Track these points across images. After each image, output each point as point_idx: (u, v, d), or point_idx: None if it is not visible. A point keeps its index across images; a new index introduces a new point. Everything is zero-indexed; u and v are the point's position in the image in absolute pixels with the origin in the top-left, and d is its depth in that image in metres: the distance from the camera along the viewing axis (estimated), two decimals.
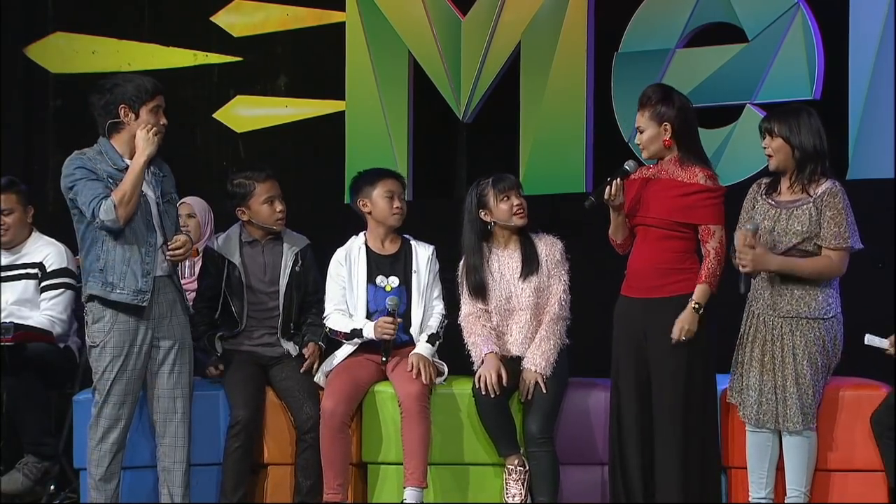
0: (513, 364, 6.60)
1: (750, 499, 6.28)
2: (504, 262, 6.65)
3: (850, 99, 7.43)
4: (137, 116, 6.29)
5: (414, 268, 6.77)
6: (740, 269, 6.11)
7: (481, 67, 8.28)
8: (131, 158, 6.30)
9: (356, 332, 6.69)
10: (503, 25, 8.25)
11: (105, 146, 6.31)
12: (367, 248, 6.78)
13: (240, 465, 6.60)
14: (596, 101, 8.02)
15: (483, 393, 6.48)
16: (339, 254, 6.80)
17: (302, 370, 6.75)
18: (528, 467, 6.48)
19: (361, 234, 6.84)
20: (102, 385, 6.27)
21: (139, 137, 6.23)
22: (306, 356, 6.79)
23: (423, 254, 6.79)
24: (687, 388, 6.26)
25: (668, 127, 6.30)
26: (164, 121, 6.33)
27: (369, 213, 6.77)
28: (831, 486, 6.32)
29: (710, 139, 7.75)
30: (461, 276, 6.71)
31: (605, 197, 6.33)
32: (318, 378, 6.74)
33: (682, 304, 6.25)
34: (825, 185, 6.13)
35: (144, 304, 6.24)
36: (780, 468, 6.26)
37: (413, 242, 6.82)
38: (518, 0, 8.23)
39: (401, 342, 6.77)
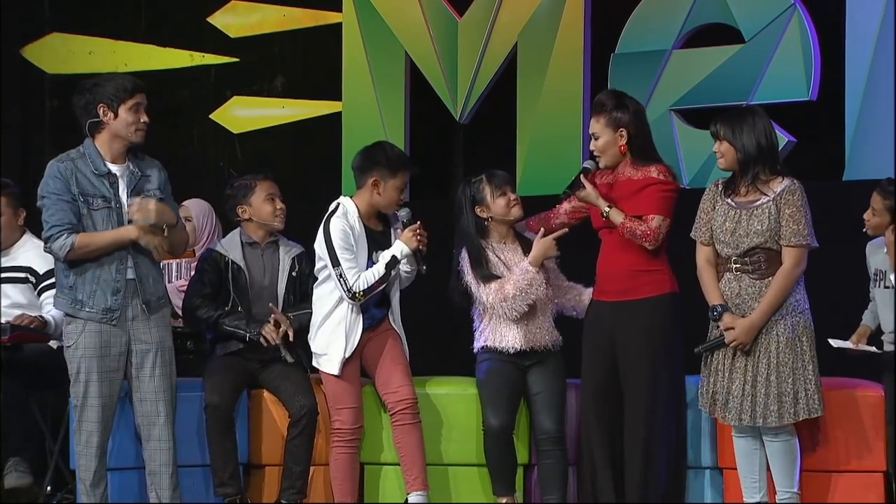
0: (524, 359, 6.57)
1: (744, 502, 6.30)
2: (509, 256, 6.61)
3: (846, 99, 7.44)
4: (116, 115, 6.27)
5: None
6: (739, 348, 6.16)
7: (478, 68, 8.28)
8: (113, 162, 6.29)
9: (394, 261, 6.54)
10: (500, 26, 8.26)
11: (88, 147, 6.29)
12: (364, 223, 6.66)
13: (220, 443, 6.58)
14: (593, 102, 8.01)
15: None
16: (342, 223, 6.57)
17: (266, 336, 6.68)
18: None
19: (349, 202, 6.65)
20: (79, 388, 6.24)
21: (140, 230, 6.18)
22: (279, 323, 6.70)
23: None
24: (655, 389, 6.27)
25: (624, 133, 6.33)
26: (144, 118, 6.29)
27: (378, 195, 6.66)
28: (825, 487, 6.33)
29: (706, 140, 7.69)
30: (466, 271, 6.59)
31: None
32: (336, 369, 6.59)
33: (653, 306, 6.28)
34: (784, 184, 6.13)
35: (114, 322, 6.22)
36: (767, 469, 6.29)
37: (401, 212, 6.66)
38: (515, 1, 8.23)
39: (381, 316, 6.69)
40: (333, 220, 6.58)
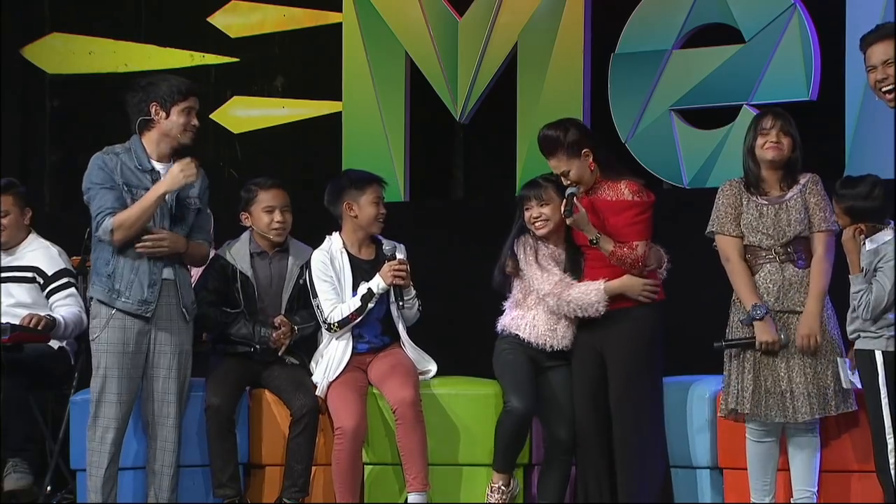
0: (550, 359, 6.53)
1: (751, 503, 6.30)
2: (558, 257, 6.55)
3: (846, 99, 7.44)
4: (168, 115, 6.34)
5: None
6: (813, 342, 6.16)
7: (478, 68, 8.27)
8: (158, 160, 6.33)
9: (370, 294, 6.62)
10: (500, 26, 8.25)
11: (135, 143, 6.36)
12: (349, 253, 6.76)
13: (219, 445, 6.60)
14: (593, 103, 8.02)
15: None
16: (322, 255, 6.72)
17: (274, 344, 6.72)
18: (512, 486, 6.54)
19: (336, 235, 6.79)
20: (98, 383, 6.29)
21: (173, 169, 6.25)
22: (279, 328, 6.72)
23: (398, 257, 6.74)
24: (640, 392, 6.35)
25: (588, 152, 6.41)
26: (195, 122, 6.39)
27: (355, 217, 6.74)
28: (836, 487, 6.32)
29: (706, 140, 7.76)
30: (526, 257, 6.50)
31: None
32: (320, 391, 6.69)
33: (640, 312, 6.35)
34: (806, 176, 6.32)
35: (148, 314, 6.27)
36: (778, 469, 6.28)
37: (386, 246, 6.74)
38: (515, 1, 8.22)
39: (382, 344, 6.80)
40: (315, 252, 6.75)
